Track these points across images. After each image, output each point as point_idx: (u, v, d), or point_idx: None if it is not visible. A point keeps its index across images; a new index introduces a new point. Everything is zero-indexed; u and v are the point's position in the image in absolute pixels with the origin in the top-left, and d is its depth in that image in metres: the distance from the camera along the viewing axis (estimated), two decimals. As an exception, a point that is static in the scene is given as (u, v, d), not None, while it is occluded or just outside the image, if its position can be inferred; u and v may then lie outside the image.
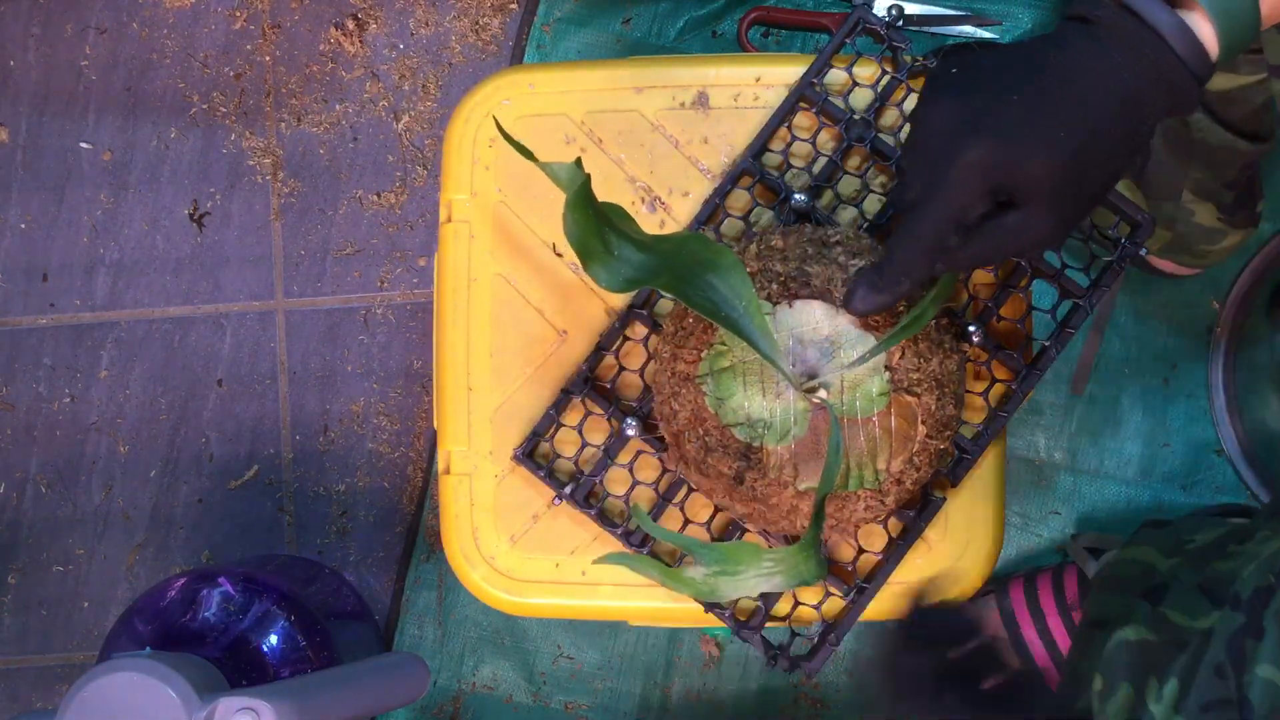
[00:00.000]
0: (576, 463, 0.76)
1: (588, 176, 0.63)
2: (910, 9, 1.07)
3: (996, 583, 1.00)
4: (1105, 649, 0.70)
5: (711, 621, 0.77)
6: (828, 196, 0.76)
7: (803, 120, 0.76)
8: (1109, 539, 1.00)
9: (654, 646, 1.10)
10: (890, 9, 0.78)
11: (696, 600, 0.73)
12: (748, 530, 0.74)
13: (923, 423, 0.66)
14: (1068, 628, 0.97)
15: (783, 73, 0.77)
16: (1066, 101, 0.56)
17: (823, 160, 0.76)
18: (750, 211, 0.76)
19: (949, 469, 0.73)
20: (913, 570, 0.75)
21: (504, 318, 0.78)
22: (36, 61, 1.16)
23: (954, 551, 0.76)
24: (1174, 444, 1.08)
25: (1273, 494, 1.01)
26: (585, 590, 0.77)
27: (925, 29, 1.07)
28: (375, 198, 1.14)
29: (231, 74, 1.15)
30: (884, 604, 0.75)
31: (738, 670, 1.09)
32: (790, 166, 0.76)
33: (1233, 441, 1.02)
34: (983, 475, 0.75)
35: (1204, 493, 1.08)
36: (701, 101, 0.77)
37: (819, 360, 0.65)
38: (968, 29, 1.08)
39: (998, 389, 0.74)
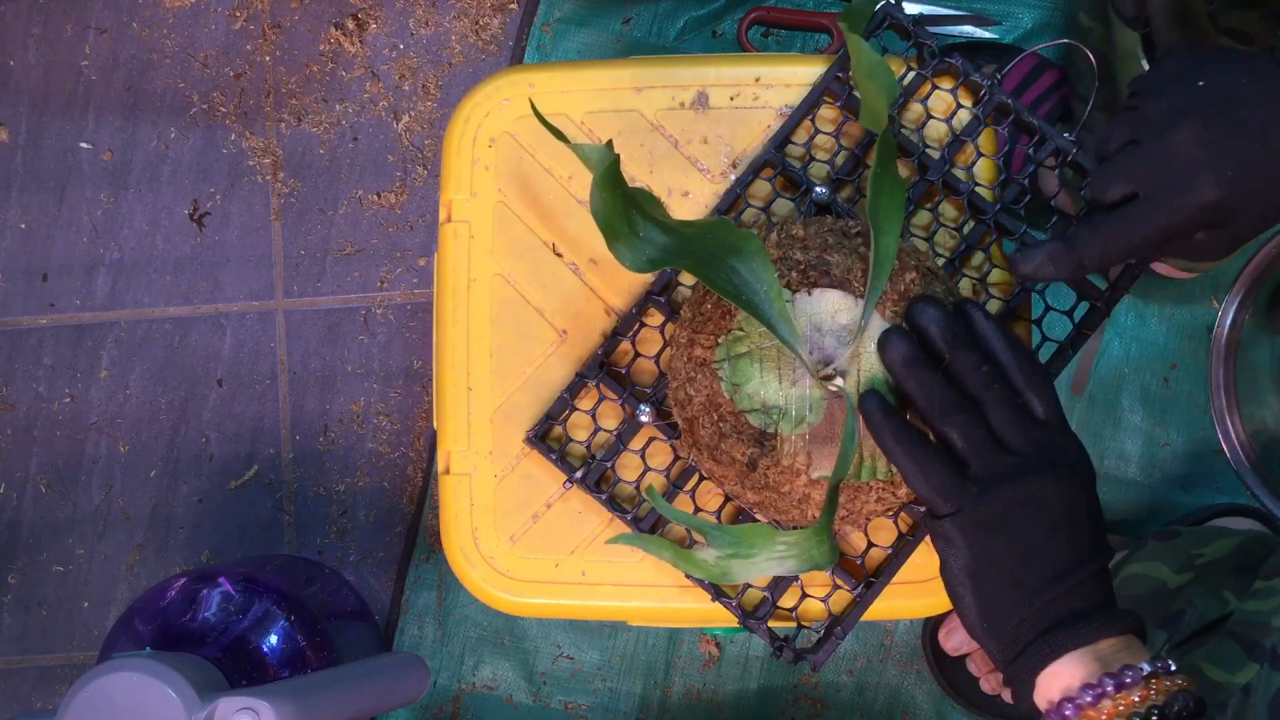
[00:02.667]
0: (589, 447, 0.77)
1: (617, 157, 0.63)
2: (910, 9, 1.07)
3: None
4: None
5: (711, 621, 0.77)
6: (848, 190, 0.76)
7: (826, 113, 0.77)
8: (1110, 539, 1.00)
9: (654, 646, 1.10)
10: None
11: (707, 583, 0.74)
12: (757, 519, 0.74)
13: None
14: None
15: (783, 73, 0.77)
16: None
17: (845, 153, 0.76)
18: (771, 202, 0.76)
19: None
20: (914, 569, 0.75)
21: (504, 318, 0.78)
22: (36, 61, 1.16)
23: (954, 551, 0.76)
24: (1174, 444, 1.08)
25: (1273, 494, 1.01)
26: (585, 590, 0.77)
27: (925, 29, 1.07)
28: (375, 198, 1.14)
29: (231, 74, 1.15)
30: (889, 601, 0.75)
31: (738, 670, 1.09)
32: (812, 159, 0.76)
33: (1233, 441, 1.02)
34: (983, 475, 0.75)
35: (1204, 493, 1.08)
36: (701, 101, 0.77)
37: (836, 348, 0.65)
38: (968, 29, 1.08)
39: None
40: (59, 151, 1.16)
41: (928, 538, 0.74)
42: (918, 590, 0.76)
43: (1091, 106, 0.92)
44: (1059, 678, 0.57)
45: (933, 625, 1.05)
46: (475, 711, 1.11)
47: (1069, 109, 1.01)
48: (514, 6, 1.14)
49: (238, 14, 1.15)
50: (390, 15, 1.14)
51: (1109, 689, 0.56)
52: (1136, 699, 0.55)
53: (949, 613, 1.02)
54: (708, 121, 0.77)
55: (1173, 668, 0.56)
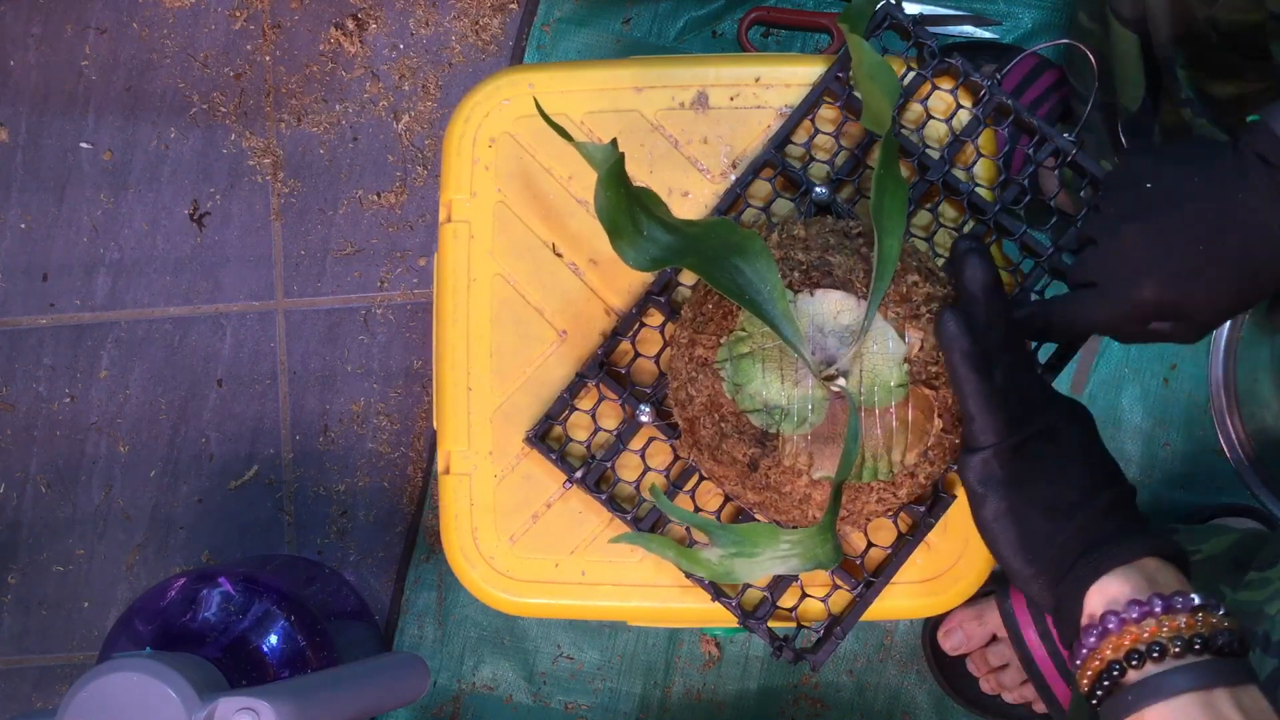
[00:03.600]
0: (589, 447, 0.77)
1: (621, 155, 0.64)
2: (910, 9, 1.07)
3: (997, 583, 1.00)
4: None
5: (711, 621, 0.77)
6: (848, 190, 0.76)
7: (826, 113, 0.76)
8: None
9: (654, 646, 1.10)
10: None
11: (707, 582, 0.74)
12: (757, 520, 0.74)
13: (939, 416, 0.66)
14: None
15: (783, 73, 0.77)
16: (1246, 267, 0.61)
17: (845, 154, 0.76)
18: (771, 202, 0.76)
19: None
20: (913, 569, 0.75)
21: (504, 318, 0.78)
22: (36, 61, 1.16)
23: (954, 551, 0.76)
24: (1174, 444, 1.08)
25: (1273, 494, 1.01)
26: (585, 590, 0.77)
27: (925, 29, 1.07)
28: (375, 198, 1.14)
29: (231, 74, 1.15)
30: (889, 601, 0.75)
31: (738, 670, 1.10)
32: (812, 159, 0.76)
33: (1233, 441, 1.02)
34: (983, 475, 0.75)
35: (1204, 493, 1.08)
36: (701, 101, 0.77)
37: (839, 349, 0.65)
38: (968, 29, 1.08)
39: None
40: (59, 151, 1.16)
41: (926, 539, 0.74)
42: (918, 590, 0.76)
43: (1091, 106, 0.92)
44: (1103, 593, 0.57)
45: (933, 625, 1.05)
46: (475, 711, 1.11)
47: (1069, 109, 1.01)
48: (514, 6, 1.14)
49: (238, 14, 1.15)
50: (390, 15, 1.14)
51: (1157, 609, 0.55)
52: (1182, 624, 0.55)
53: (949, 613, 1.02)
54: (708, 121, 0.77)
55: (1222, 609, 0.56)
